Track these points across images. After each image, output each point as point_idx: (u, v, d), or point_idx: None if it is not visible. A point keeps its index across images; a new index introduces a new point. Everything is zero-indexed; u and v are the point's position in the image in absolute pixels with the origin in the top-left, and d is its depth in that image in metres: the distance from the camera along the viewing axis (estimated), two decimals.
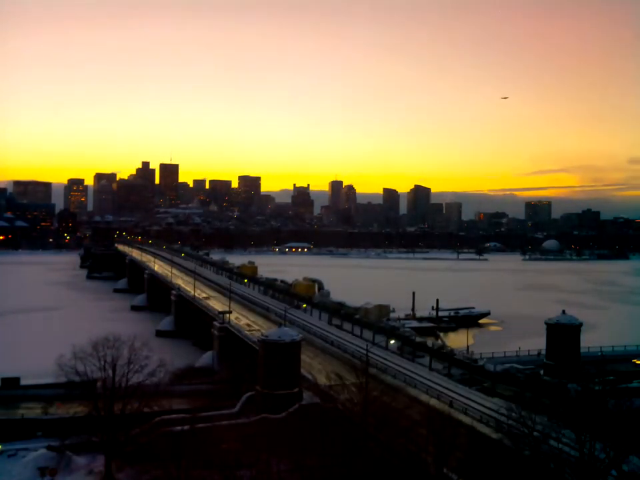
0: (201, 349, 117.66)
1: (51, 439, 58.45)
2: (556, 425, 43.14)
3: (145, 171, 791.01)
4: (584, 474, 38.54)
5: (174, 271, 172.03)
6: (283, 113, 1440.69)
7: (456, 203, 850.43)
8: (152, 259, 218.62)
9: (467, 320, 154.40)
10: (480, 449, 43.51)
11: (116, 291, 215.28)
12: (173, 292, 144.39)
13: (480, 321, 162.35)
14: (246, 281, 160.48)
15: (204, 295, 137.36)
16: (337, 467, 43.91)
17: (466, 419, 53.28)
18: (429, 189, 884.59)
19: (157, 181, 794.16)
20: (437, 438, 41.45)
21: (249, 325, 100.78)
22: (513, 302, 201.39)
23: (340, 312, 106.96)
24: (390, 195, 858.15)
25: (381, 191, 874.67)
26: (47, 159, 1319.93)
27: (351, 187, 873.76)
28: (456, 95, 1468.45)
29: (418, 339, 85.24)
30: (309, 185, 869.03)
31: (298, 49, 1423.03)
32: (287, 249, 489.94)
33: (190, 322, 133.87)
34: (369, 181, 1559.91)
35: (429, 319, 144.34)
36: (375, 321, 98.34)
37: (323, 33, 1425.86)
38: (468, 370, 69.61)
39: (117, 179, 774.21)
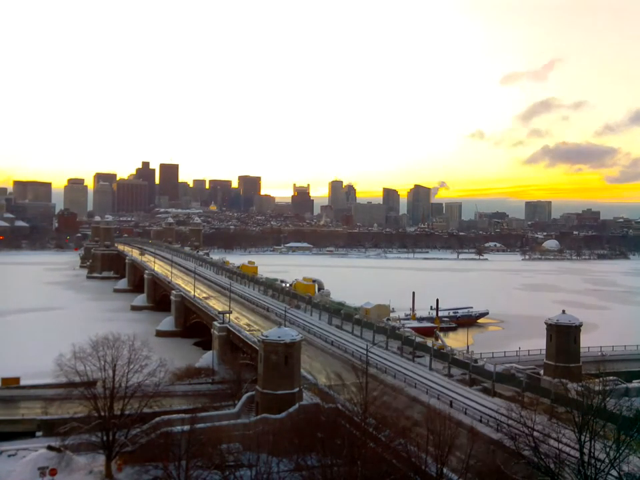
0: (201, 348, 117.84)
1: (50, 439, 58.44)
2: (556, 425, 43.17)
3: (145, 170, 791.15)
4: (584, 474, 38.56)
5: (174, 270, 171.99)
6: (282, 113, 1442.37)
7: (456, 203, 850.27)
8: (152, 258, 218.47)
9: (466, 320, 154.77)
10: (480, 449, 43.46)
11: (116, 290, 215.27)
12: (173, 292, 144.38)
13: (479, 321, 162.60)
14: (246, 281, 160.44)
15: (204, 295, 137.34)
16: (337, 467, 43.88)
17: (466, 419, 53.28)
18: (429, 188, 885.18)
19: (157, 181, 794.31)
20: (437, 438, 41.43)
21: (248, 325, 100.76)
22: (513, 302, 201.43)
23: (340, 312, 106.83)
24: (390, 195, 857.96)
25: (381, 191, 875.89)
26: (47, 159, 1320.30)
27: (351, 187, 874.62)
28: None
29: (418, 339, 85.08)
30: (309, 184, 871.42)
31: (297, 49, 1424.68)
32: (287, 249, 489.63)
33: (190, 322, 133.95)
34: (369, 181, 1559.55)
35: (428, 319, 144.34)
36: (375, 320, 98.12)
37: (319, 32, 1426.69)
38: (468, 370, 69.54)
39: (117, 179, 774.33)
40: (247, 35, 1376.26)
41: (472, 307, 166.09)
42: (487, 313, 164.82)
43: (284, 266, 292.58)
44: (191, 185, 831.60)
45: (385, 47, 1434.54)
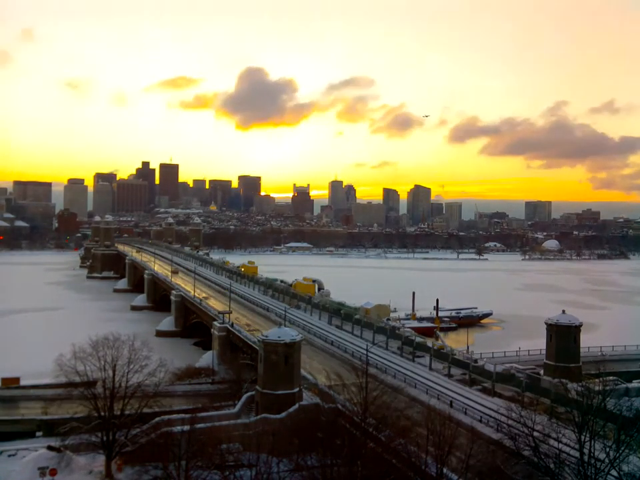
0: (201, 348, 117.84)
1: (51, 439, 58.43)
2: (556, 424, 43.17)
3: (145, 170, 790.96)
4: (584, 474, 38.55)
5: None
6: (281, 112, 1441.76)
7: (456, 203, 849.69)
8: (152, 258, 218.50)
9: (469, 320, 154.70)
10: (480, 449, 43.46)
11: (116, 290, 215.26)
12: (173, 292, 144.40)
13: (482, 321, 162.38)
14: (246, 281, 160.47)
15: (204, 295, 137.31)
16: (337, 467, 43.88)
17: (466, 419, 53.28)
18: (429, 188, 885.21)
19: (157, 181, 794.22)
20: (437, 438, 41.43)
21: (248, 325, 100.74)
22: (513, 302, 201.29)
23: (340, 312, 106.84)
24: (390, 195, 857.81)
25: (381, 191, 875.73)
26: (47, 159, 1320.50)
27: (350, 187, 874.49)
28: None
29: (418, 339, 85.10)
30: (309, 185, 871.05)
31: (297, 48, 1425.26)
32: (287, 249, 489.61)
33: (190, 322, 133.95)
34: (368, 181, 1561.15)
35: (428, 319, 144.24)
36: (374, 320, 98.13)
37: (318, 29, 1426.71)
38: (468, 370, 69.55)
39: (117, 179, 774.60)
40: (244, 31, 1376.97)
41: (476, 308, 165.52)
42: (491, 314, 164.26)
43: (284, 266, 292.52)
44: (191, 185, 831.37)
45: None
